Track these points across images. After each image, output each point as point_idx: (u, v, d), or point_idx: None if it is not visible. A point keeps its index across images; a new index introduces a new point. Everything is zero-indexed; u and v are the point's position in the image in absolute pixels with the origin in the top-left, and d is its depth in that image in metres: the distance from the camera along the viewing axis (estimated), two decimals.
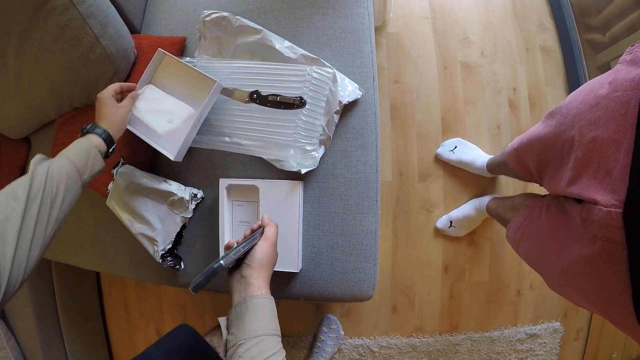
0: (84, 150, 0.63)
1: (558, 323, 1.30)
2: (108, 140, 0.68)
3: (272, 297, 0.56)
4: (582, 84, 1.25)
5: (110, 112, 0.71)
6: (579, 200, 0.52)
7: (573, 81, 1.31)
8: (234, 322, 0.53)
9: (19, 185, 0.53)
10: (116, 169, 0.85)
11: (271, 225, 0.62)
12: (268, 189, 0.76)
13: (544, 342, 1.29)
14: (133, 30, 0.95)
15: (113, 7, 0.84)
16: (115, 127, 0.70)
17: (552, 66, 1.33)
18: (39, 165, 0.57)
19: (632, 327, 0.46)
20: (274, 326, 0.53)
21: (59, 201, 0.56)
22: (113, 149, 0.70)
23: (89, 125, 0.69)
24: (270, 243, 0.59)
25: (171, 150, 0.79)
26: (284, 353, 0.51)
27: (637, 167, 0.42)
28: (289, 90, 0.75)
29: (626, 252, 0.42)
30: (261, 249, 0.58)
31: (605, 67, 1.22)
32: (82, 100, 0.93)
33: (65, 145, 0.96)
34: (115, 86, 0.75)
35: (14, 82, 0.90)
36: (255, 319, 0.51)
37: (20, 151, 1.12)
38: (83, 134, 0.68)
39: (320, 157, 0.77)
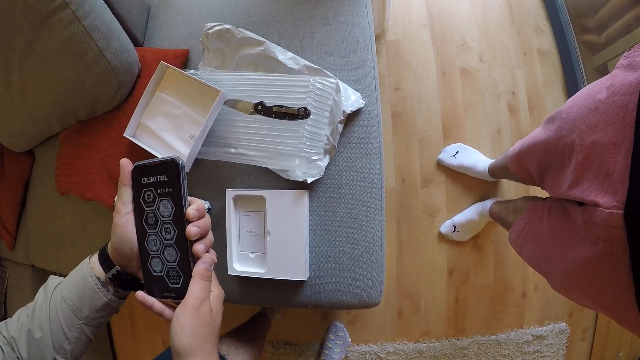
0: (81, 281, 0.47)
1: (564, 324, 1.31)
2: (105, 260, 0.48)
3: None
4: (580, 85, 1.28)
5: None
6: (581, 203, 0.52)
7: (571, 83, 1.32)
8: None
9: (23, 313, 0.48)
10: None
11: (197, 281, 0.43)
12: (274, 198, 0.76)
13: (551, 343, 1.29)
14: (136, 43, 0.96)
15: (117, 20, 0.85)
16: (111, 246, 0.48)
17: (549, 69, 1.35)
18: (39, 297, 0.49)
19: (636, 325, 0.46)
20: None
21: (60, 338, 0.47)
22: (123, 278, 0.48)
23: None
24: (191, 309, 0.41)
25: None
26: None
27: (636, 169, 0.43)
28: (293, 101, 0.76)
29: (628, 252, 0.43)
30: (180, 324, 0.41)
31: (602, 68, 1.23)
32: (87, 113, 0.94)
33: (69, 158, 0.97)
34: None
35: (18, 95, 0.91)
36: None
37: (24, 164, 1.13)
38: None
39: (326, 166, 0.78)
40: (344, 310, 1.30)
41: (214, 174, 0.85)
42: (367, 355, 1.28)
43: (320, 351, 1.28)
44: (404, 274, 1.28)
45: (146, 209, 0.45)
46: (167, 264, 0.45)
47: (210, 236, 0.47)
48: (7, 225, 1.16)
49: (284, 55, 0.80)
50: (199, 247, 0.44)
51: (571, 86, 1.32)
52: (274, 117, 0.76)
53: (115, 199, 0.85)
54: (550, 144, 0.61)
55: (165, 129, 0.84)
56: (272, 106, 0.76)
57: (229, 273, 0.79)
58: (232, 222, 0.79)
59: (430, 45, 1.32)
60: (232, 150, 0.80)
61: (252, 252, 0.80)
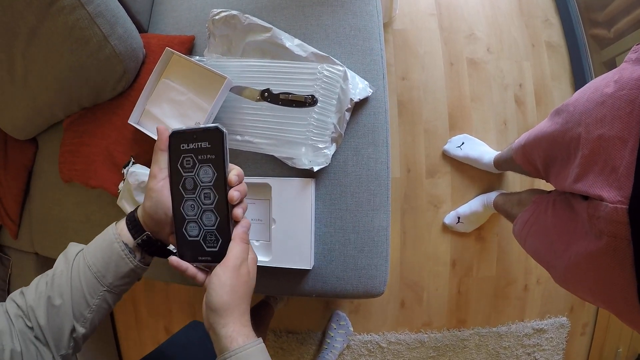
0: (107, 247, 0.47)
1: (564, 318, 1.31)
2: (134, 225, 0.48)
3: (258, 339, 0.43)
4: (588, 79, 1.26)
5: (147, 189, 0.48)
6: (585, 197, 0.52)
7: (578, 77, 1.31)
8: None
9: (42, 281, 0.47)
10: (126, 168, 0.85)
11: (237, 243, 0.45)
12: (280, 186, 0.76)
13: (551, 337, 1.30)
14: (140, 29, 0.95)
15: (121, 6, 0.84)
16: (145, 211, 0.48)
17: (557, 62, 1.33)
18: (60, 263, 0.48)
19: (638, 320, 0.47)
20: None
21: (81, 308, 0.46)
22: (153, 244, 0.49)
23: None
24: (232, 268, 0.43)
25: None
26: None
27: None
28: (300, 89, 0.75)
29: (631, 247, 0.43)
30: (220, 281, 0.42)
31: (610, 63, 1.22)
32: (91, 100, 0.93)
33: (73, 145, 0.97)
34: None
35: (22, 82, 0.90)
36: None
37: (28, 152, 1.12)
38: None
39: (332, 155, 0.77)
40: (347, 300, 1.30)
41: None
42: (368, 345, 1.29)
43: (323, 340, 1.29)
44: (407, 264, 1.28)
45: (184, 174, 0.46)
46: (205, 228, 0.46)
47: (245, 202, 0.48)
48: (10, 214, 1.16)
49: (291, 42, 0.79)
50: (238, 211, 0.45)
51: (579, 80, 1.31)
52: (281, 105, 0.76)
53: (127, 167, 0.84)
54: (557, 136, 0.61)
55: (170, 116, 0.84)
56: (279, 93, 0.76)
57: None
58: None
59: (437, 35, 1.31)
60: (238, 137, 0.80)
61: (257, 240, 0.80)
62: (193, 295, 1.39)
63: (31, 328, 0.45)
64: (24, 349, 0.43)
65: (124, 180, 0.85)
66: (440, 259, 1.28)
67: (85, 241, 0.50)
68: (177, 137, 0.46)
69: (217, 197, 0.45)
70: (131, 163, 0.85)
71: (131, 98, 0.89)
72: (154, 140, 0.80)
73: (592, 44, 1.28)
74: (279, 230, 0.76)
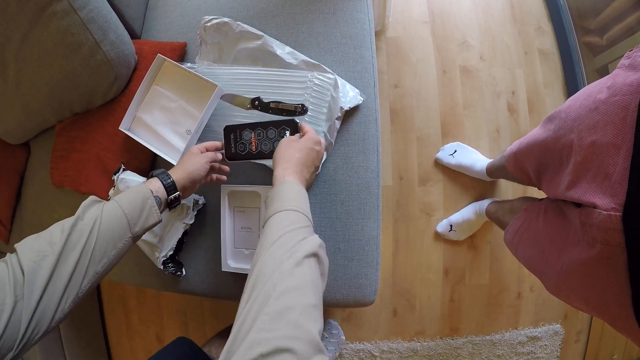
0: (140, 199, 0.56)
1: (558, 325, 1.30)
2: (170, 187, 0.61)
3: (297, 183, 0.55)
4: (581, 86, 1.27)
5: (187, 160, 0.66)
6: (578, 204, 0.52)
7: (571, 84, 1.31)
8: (264, 212, 0.55)
9: (57, 229, 0.49)
10: (117, 175, 0.84)
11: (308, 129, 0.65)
12: None
13: (545, 345, 1.29)
14: (133, 35, 0.95)
15: (114, 12, 0.84)
16: (185, 174, 0.63)
17: (550, 69, 1.34)
18: (87, 210, 0.53)
19: (632, 329, 0.46)
20: (294, 204, 0.51)
21: (100, 254, 0.50)
22: (177, 199, 0.62)
23: (158, 171, 0.63)
24: (288, 140, 0.62)
25: (173, 156, 0.80)
26: (306, 231, 0.47)
27: (636, 171, 0.42)
28: (290, 97, 0.75)
29: (625, 255, 0.43)
30: (280, 144, 0.62)
31: (603, 70, 1.23)
32: (83, 106, 0.93)
33: (64, 151, 0.97)
34: (204, 145, 0.71)
35: (14, 87, 0.90)
36: (274, 202, 0.52)
37: (19, 157, 1.12)
38: (149, 178, 0.63)
39: (322, 163, 0.77)
40: (339, 308, 1.30)
41: None
42: (361, 354, 1.28)
43: None
44: (400, 273, 1.28)
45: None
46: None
47: None
48: (2, 218, 1.15)
49: (282, 50, 0.79)
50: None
51: (571, 87, 1.31)
52: (271, 113, 0.75)
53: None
54: (549, 143, 0.61)
55: (161, 123, 0.83)
56: (270, 102, 0.76)
57: (223, 270, 0.79)
58: (226, 218, 0.78)
59: (430, 42, 1.31)
60: None
61: (247, 249, 0.79)
62: (184, 303, 1.38)
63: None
64: None
65: (114, 186, 0.84)
66: (432, 267, 1.28)
67: None
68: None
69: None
70: (121, 170, 0.85)
71: (123, 104, 0.89)
72: (145, 147, 0.81)
73: (585, 51, 1.28)
74: None
